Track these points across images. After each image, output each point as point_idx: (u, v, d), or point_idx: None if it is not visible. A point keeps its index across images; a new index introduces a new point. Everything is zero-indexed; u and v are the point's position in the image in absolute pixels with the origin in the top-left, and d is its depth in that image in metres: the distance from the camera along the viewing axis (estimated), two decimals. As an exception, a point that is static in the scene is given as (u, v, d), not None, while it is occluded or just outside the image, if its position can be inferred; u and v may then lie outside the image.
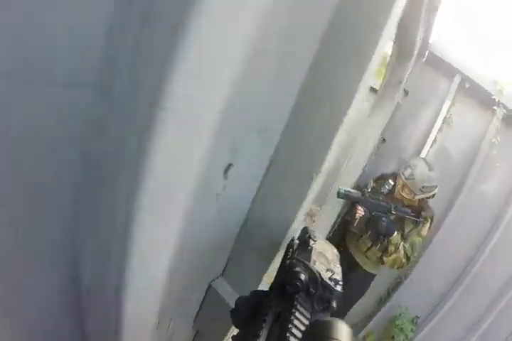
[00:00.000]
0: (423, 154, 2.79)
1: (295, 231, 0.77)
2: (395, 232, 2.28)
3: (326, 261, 0.55)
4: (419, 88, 2.85)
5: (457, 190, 2.79)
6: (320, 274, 0.50)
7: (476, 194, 2.79)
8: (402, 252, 2.29)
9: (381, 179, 2.54)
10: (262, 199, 0.81)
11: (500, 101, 2.61)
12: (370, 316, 3.01)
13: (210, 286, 0.90)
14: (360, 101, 0.74)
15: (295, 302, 0.43)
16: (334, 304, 0.48)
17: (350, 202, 2.44)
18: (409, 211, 2.30)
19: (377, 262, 2.45)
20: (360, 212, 2.30)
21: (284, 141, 0.77)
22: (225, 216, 0.77)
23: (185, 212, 0.54)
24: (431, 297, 2.90)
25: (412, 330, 2.79)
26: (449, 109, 2.80)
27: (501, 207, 2.75)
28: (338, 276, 0.52)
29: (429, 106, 2.87)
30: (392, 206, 2.30)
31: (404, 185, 2.28)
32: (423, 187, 2.21)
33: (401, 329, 2.79)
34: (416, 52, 2.11)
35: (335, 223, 2.81)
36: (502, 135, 2.68)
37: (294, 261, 0.52)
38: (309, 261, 0.52)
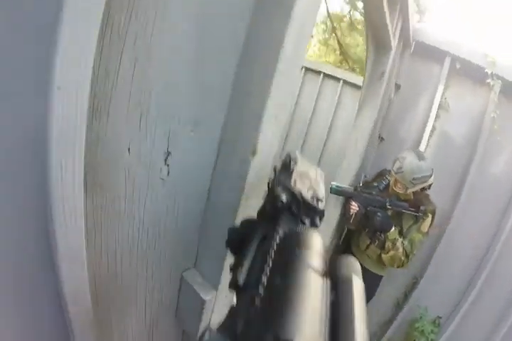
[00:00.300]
0: (423, 144, 2.74)
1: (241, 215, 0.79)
2: (392, 227, 2.18)
3: (308, 180, 0.54)
4: (411, 80, 2.82)
5: (465, 173, 2.70)
6: (301, 193, 0.49)
7: (485, 174, 2.70)
8: (400, 249, 2.18)
9: (380, 175, 2.47)
10: (215, 186, 0.84)
11: (494, 72, 2.55)
12: (389, 322, 2.86)
13: (182, 277, 0.92)
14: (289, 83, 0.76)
15: (278, 222, 0.43)
16: (318, 221, 0.48)
17: (344, 198, 2.39)
18: (406, 205, 2.20)
19: (378, 261, 2.34)
20: (354, 207, 2.25)
21: (224, 129, 0.80)
22: (179, 203, 0.80)
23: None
24: (450, 294, 2.75)
25: (432, 332, 2.64)
26: (443, 94, 2.75)
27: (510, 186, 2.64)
28: (321, 194, 0.52)
29: (423, 96, 2.83)
30: (387, 200, 2.22)
31: (395, 180, 2.18)
32: (413, 179, 2.10)
33: (421, 332, 2.64)
34: (394, 43, 2.12)
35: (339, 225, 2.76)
36: (501, 107, 2.60)
37: (275, 183, 0.52)
38: (290, 182, 0.51)
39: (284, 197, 0.47)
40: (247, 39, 0.78)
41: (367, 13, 1.73)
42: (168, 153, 0.72)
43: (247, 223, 0.52)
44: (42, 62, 0.45)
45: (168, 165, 0.73)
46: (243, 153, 0.76)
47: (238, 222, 0.81)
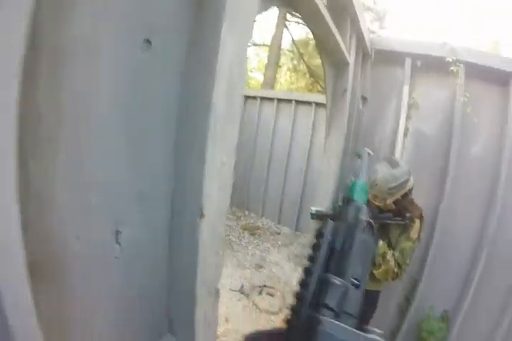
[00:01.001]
0: (399, 147, 2.78)
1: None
2: (380, 242, 2.09)
3: None
4: (377, 89, 2.87)
5: (447, 164, 2.73)
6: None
7: (468, 159, 2.73)
8: (392, 262, 2.10)
9: None
10: (173, 252, 0.87)
11: (455, 59, 2.59)
12: (397, 330, 2.83)
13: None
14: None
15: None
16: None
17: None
18: (390, 215, 2.14)
19: (372, 278, 2.20)
20: None
21: (173, 195, 0.83)
22: (139, 276, 0.82)
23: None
24: (452, 287, 2.75)
25: (441, 329, 2.64)
26: (410, 94, 2.79)
27: (495, 164, 2.68)
28: None
29: (391, 101, 2.88)
30: (369, 214, 2.16)
31: (373, 195, 2.12)
32: (389, 188, 2.06)
33: (430, 333, 2.63)
34: (351, 58, 2.17)
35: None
36: (470, 89, 2.64)
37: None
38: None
39: None
40: (180, 102, 0.82)
41: (315, 36, 1.78)
42: (118, 232, 0.74)
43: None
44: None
45: (119, 244, 0.75)
46: (192, 217, 0.79)
47: (201, 282, 0.84)
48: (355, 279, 0.56)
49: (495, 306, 2.69)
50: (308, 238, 5.13)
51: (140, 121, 0.73)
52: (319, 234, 0.58)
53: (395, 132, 2.83)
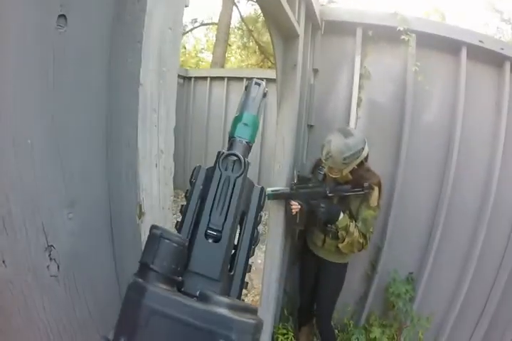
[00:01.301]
0: (353, 117, 2.77)
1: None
2: (341, 215, 2.12)
3: None
4: (328, 60, 2.81)
5: (401, 132, 2.76)
6: None
7: (422, 126, 2.78)
8: (356, 233, 2.11)
9: (316, 166, 2.38)
10: (118, 256, 0.77)
11: (407, 28, 2.59)
12: (365, 296, 2.94)
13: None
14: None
15: None
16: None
17: (285, 201, 2.28)
18: (348, 187, 2.14)
19: (338, 252, 2.28)
20: (295, 206, 2.16)
21: (110, 197, 0.72)
22: (85, 291, 0.72)
23: None
24: (415, 250, 2.87)
25: (407, 291, 2.75)
26: (362, 64, 2.77)
27: (448, 129, 2.75)
28: None
29: (343, 72, 2.83)
30: (327, 188, 2.15)
31: (329, 167, 2.11)
32: (344, 159, 2.01)
33: (398, 295, 2.73)
34: (301, 30, 2.07)
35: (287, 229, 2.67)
36: (421, 58, 2.66)
37: None
38: None
39: None
40: (107, 86, 0.70)
41: (264, 8, 1.66)
42: (50, 247, 0.64)
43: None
44: None
45: (54, 260, 0.64)
46: (131, 218, 0.70)
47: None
48: (213, 230, 0.40)
49: (456, 264, 2.85)
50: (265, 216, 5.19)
51: (62, 113, 0.61)
52: (190, 183, 0.45)
53: (349, 103, 2.80)
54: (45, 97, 0.59)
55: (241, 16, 8.60)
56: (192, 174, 0.44)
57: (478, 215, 2.76)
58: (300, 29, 2.06)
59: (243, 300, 0.41)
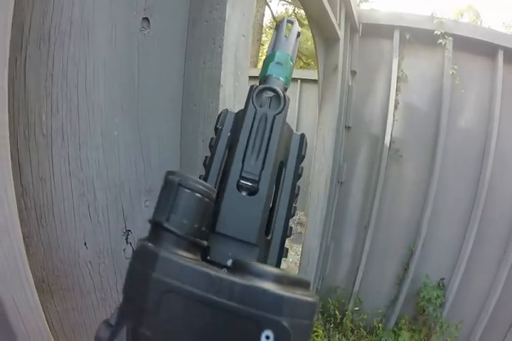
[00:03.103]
0: (390, 119, 2.76)
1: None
2: None
3: None
4: (366, 62, 2.82)
5: (436, 134, 2.74)
6: None
7: (457, 129, 2.75)
8: None
9: None
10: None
11: (444, 32, 2.57)
12: (395, 299, 2.91)
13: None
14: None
15: None
16: None
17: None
18: None
19: None
20: None
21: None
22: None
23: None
24: (448, 255, 2.83)
25: (438, 296, 2.72)
26: (399, 67, 2.76)
27: (485, 132, 2.70)
28: None
29: (381, 74, 2.83)
30: None
31: None
32: None
33: (428, 300, 2.71)
34: (341, 33, 2.09)
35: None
36: (458, 62, 2.63)
37: None
38: None
39: None
40: (185, 86, 0.77)
41: (306, 9, 1.70)
42: (128, 232, 0.70)
43: None
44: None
45: (130, 243, 0.71)
46: None
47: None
48: (248, 180, 0.30)
49: (488, 272, 2.78)
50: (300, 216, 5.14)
51: (144, 110, 0.68)
52: (215, 131, 0.34)
53: (386, 105, 2.79)
54: (131, 94, 0.66)
55: (273, 16, 8.64)
56: (218, 119, 0.35)
57: (512, 221, 2.68)
58: (341, 32, 2.09)
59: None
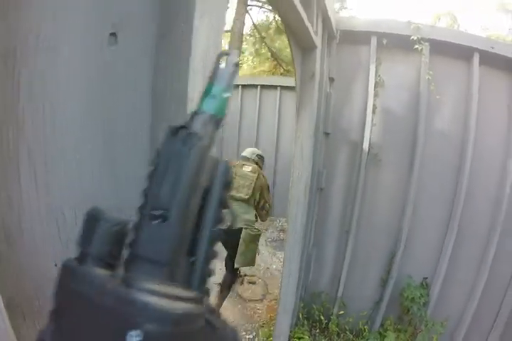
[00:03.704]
0: (368, 124, 2.81)
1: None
2: None
3: None
4: (344, 69, 2.87)
5: (415, 139, 2.80)
6: None
7: (434, 134, 2.82)
8: None
9: None
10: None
11: (420, 37, 2.64)
12: (380, 301, 2.94)
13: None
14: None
15: None
16: None
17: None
18: None
19: None
20: None
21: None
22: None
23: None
24: (429, 255, 2.89)
25: (422, 296, 2.76)
26: (376, 72, 2.81)
27: (463, 133, 2.77)
28: None
29: (358, 80, 2.88)
30: None
31: None
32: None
33: (412, 300, 2.74)
34: (318, 41, 2.12)
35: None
36: (434, 67, 2.70)
37: None
38: None
39: None
40: (154, 99, 0.76)
41: (283, 18, 1.73)
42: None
43: None
44: None
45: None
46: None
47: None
48: (159, 209, 0.35)
49: (470, 269, 2.85)
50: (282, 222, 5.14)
51: (112, 129, 0.67)
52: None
53: (364, 110, 2.85)
54: (99, 111, 0.66)
55: (253, 23, 8.70)
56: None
57: (491, 220, 2.77)
58: (317, 40, 2.12)
59: (207, 289, 0.36)
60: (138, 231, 0.34)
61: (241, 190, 3.01)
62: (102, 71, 0.65)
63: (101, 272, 0.29)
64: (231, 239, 2.86)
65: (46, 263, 0.59)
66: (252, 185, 3.03)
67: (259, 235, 3.06)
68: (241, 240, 2.87)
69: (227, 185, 0.40)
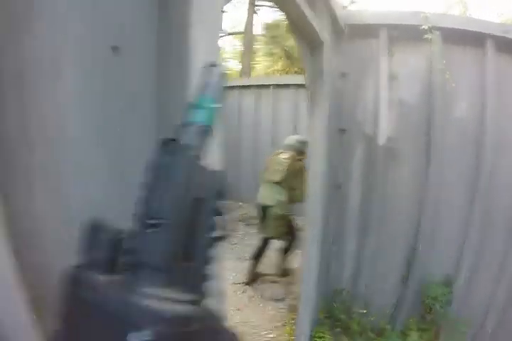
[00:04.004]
0: (383, 119, 2.76)
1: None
2: None
3: None
4: (355, 63, 2.83)
5: (429, 133, 2.75)
6: None
7: (451, 124, 2.75)
8: None
9: None
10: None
11: (430, 26, 2.58)
12: (402, 300, 2.89)
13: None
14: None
15: None
16: None
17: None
18: None
19: None
20: None
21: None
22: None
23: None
24: (452, 251, 2.81)
25: (444, 294, 2.70)
26: (389, 65, 2.76)
27: (480, 124, 2.70)
28: None
29: (371, 74, 2.84)
30: None
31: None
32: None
33: (434, 298, 2.68)
34: (325, 36, 2.10)
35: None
36: (447, 55, 2.64)
37: None
38: None
39: None
40: (158, 109, 0.77)
41: (288, 18, 1.72)
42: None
43: None
44: None
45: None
46: None
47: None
48: (152, 218, 0.36)
49: (494, 265, 2.76)
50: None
51: (119, 141, 0.69)
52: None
53: (378, 104, 2.79)
54: (105, 124, 0.67)
55: (264, 23, 8.70)
56: None
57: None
58: (324, 36, 2.10)
59: (204, 293, 0.38)
60: (135, 239, 0.36)
61: (275, 174, 3.56)
62: (106, 84, 0.67)
63: (102, 278, 0.31)
64: (264, 214, 3.55)
65: (60, 265, 0.61)
66: (285, 169, 3.51)
67: (288, 215, 3.59)
68: (268, 216, 3.50)
69: (221, 193, 0.41)
